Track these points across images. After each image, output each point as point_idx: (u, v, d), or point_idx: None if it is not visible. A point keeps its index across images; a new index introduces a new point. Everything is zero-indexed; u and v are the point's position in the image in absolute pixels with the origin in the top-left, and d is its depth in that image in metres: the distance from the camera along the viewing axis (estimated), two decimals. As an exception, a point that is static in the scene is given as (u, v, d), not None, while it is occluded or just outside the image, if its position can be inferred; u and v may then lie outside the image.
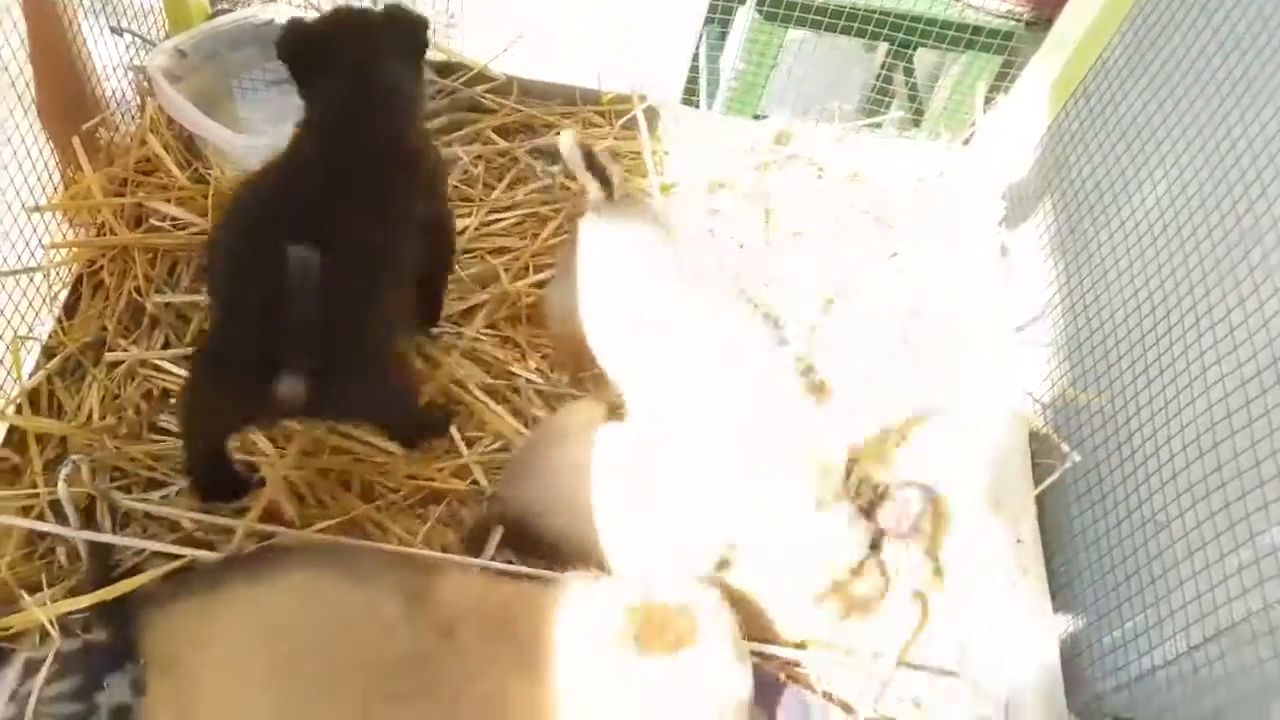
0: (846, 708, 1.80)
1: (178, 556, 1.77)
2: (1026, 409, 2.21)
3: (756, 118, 2.92)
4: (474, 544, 1.88)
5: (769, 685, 1.75)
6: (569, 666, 1.39)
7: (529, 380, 2.15)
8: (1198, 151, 1.94)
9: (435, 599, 1.43)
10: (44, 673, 1.61)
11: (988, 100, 2.70)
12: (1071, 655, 1.95)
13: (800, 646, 1.81)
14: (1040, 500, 2.09)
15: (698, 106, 3.04)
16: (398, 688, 1.38)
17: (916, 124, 2.95)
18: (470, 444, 2.05)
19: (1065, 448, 2.04)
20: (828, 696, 1.80)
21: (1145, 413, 1.92)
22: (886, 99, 2.96)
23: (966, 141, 2.73)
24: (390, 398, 1.85)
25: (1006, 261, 2.48)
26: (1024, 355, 2.31)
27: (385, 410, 1.88)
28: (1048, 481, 2.05)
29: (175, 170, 2.34)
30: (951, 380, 2.21)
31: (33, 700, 1.58)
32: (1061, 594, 2.02)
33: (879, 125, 2.81)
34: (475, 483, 2.00)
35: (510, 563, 1.88)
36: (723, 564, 1.69)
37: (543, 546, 1.79)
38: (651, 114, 2.66)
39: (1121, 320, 2.04)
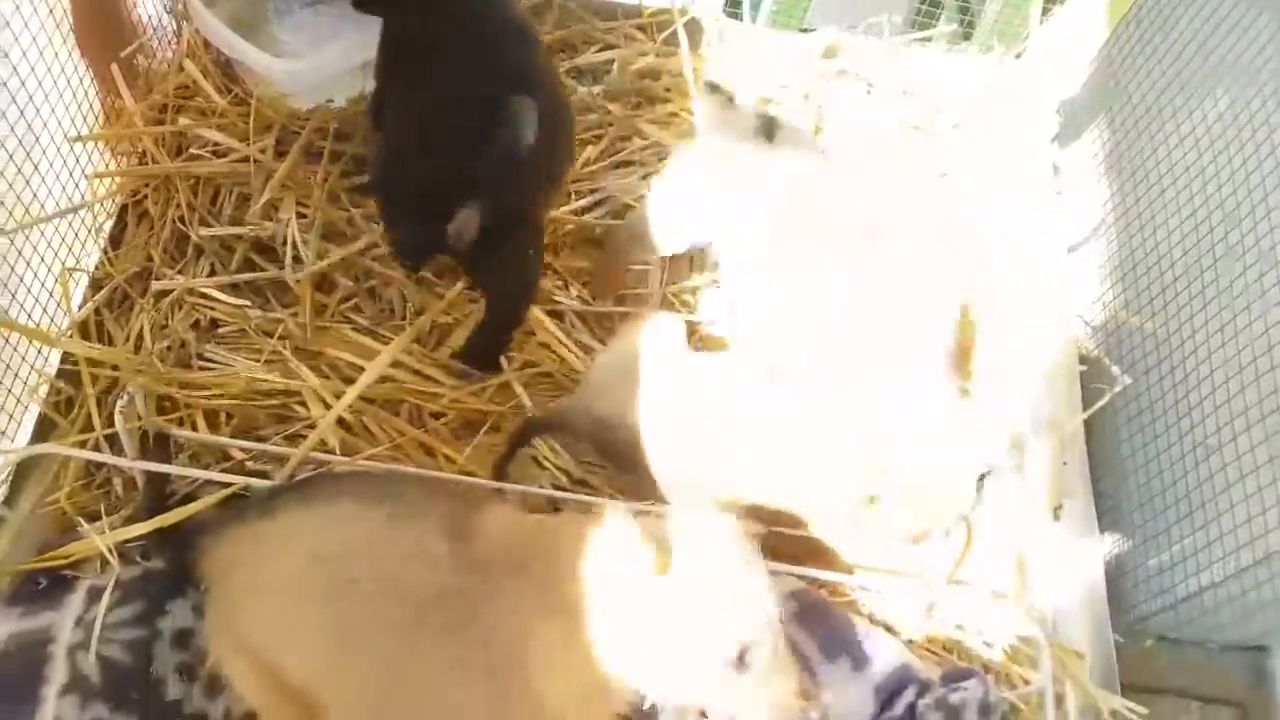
0: (891, 630, 1.81)
1: (231, 484, 1.79)
2: (1077, 331, 2.17)
3: (803, 31, 2.84)
4: (511, 451, 1.90)
5: (814, 607, 1.76)
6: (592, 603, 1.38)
7: (572, 307, 2.15)
8: (1262, 66, 1.87)
9: (476, 535, 1.44)
10: (106, 599, 1.65)
11: (1043, 11, 2.60)
12: (1117, 577, 1.96)
13: (848, 571, 1.82)
14: (1089, 423, 2.08)
15: (741, 20, 2.95)
16: (443, 618, 1.39)
17: (968, 37, 2.84)
18: (509, 363, 2.05)
19: (1116, 370, 2.01)
20: (872, 619, 1.82)
21: (1200, 335, 1.89)
22: (937, 11, 2.87)
23: (1019, 55, 2.64)
24: (527, 265, 1.95)
25: (1059, 180, 2.42)
26: (1075, 276, 2.27)
27: (517, 275, 1.95)
28: (1097, 405, 2.02)
29: (215, 95, 2.32)
30: (1002, 301, 2.18)
31: (97, 626, 1.63)
32: (1108, 516, 2.02)
33: (929, 39, 2.72)
34: (519, 405, 2.01)
35: (557, 486, 1.91)
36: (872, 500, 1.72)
37: (620, 457, 1.80)
38: (694, 28, 2.59)
39: (1177, 241, 1.99)
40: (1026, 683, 1.78)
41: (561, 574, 1.38)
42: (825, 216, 1.90)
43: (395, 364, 2.01)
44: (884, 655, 1.74)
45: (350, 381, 1.96)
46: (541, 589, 1.39)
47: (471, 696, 1.41)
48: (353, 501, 1.49)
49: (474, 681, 1.40)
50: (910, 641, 1.81)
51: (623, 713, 1.42)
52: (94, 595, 1.67)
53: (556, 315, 2.14)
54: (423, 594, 1.40)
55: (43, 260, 1.99)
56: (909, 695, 1.68)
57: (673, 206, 2.03)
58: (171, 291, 2.09)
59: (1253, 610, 1.76)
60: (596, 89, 2.47)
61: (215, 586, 1.53)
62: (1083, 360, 2.14)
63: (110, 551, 1.69)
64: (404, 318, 2.11)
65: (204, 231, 2.16)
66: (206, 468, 1.85)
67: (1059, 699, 1.66)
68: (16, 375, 1.89)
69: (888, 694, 1.69)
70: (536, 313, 2.10)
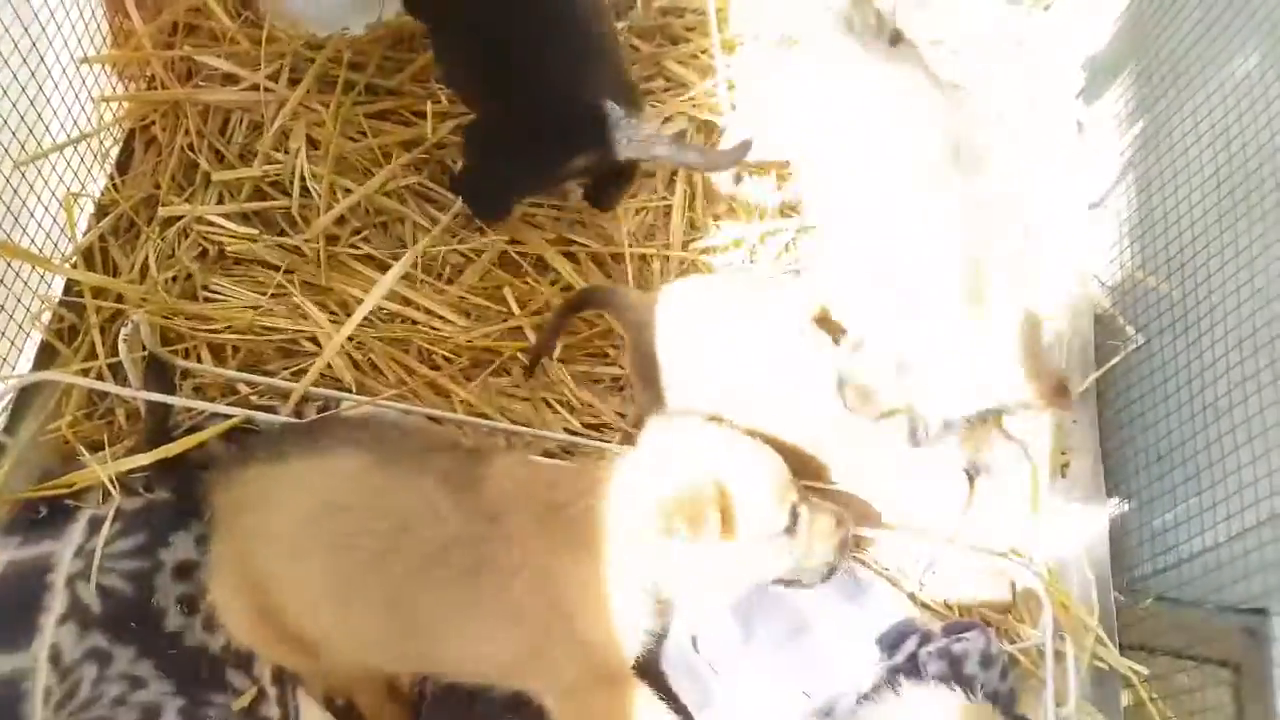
0: (894, 582, 1.82)
1: (234, 417, 1.77)
2: (1093, 289, 2.15)
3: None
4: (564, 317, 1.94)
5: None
6: (611, 551, 1.41)
7: (587, 249, 2.13)
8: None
9: (483, 486, 1.45)
10: (106, 529, 1.64)
11: (1072, -37, 2.54)
12: (1120, 535, 1.96)
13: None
14: (1099, 381, 2.06)
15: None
16: (451, 568, 1.41)
17: (996, -13, 2.79)
18: (523, 306, 2.04)
19: (1130, 330, 2.00)
20: (878, 571, 1.82)
21: (1215, 297, 1.87)
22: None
23: (1047, 7, 2.58)
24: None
25: (1082, 136, 2.37)
26: (1094, 234, 2.24)
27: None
28: (1110, 364, 2.01)
29: (226, 19, 2.26)
30: (1021, 258, 2.16)
31: (97, 555, 1.62)
32: (1114, 474, 2.02)
33: (957, -14, 2.66)
34: (527, 347, 1.99)
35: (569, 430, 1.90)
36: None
37: (647, 372, 1.80)
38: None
39: (1198, 200, 1.97)
40: (1026, 638, 1.78)
41: (588, 518, 1.40)
42: (910, 148, 1.89)
43: (406, 302, 2.00)
44: (887, 606, 1.74)
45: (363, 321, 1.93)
46: (566, 532, 1.41)
47: (498, 636, 1.44)
48: (357, 453, 1.48)
49: (499, 622, 1.42)
50: (913, 594, 1.81)
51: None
52: (95, 525, 1.66)
53: (571, 258, 2.11)
54: (429, 545, 1.41)
55: (46, 184, 1.95)
56: (911, 645, 1.69)
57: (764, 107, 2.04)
58: (178, 219, 2.05)
59: (1253, 572, 1.77)
60: (621, 24, 2.41)
61: (223, 526, 1.52)
62: (1097, 319, 2.12)
63: (112, 482, 1.67)
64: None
65: (216, 175, 2.11)
66: (212, 400, 1.83)
67: (1059, 654, 1.66)
68: (19, 301, 1.86)
69: (891, 643, 1.70)
70: (552, 254, 2.09)
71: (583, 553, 1.41)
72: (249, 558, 1.47)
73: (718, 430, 1.45)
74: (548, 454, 1.83)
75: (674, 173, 2.20)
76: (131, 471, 1.70)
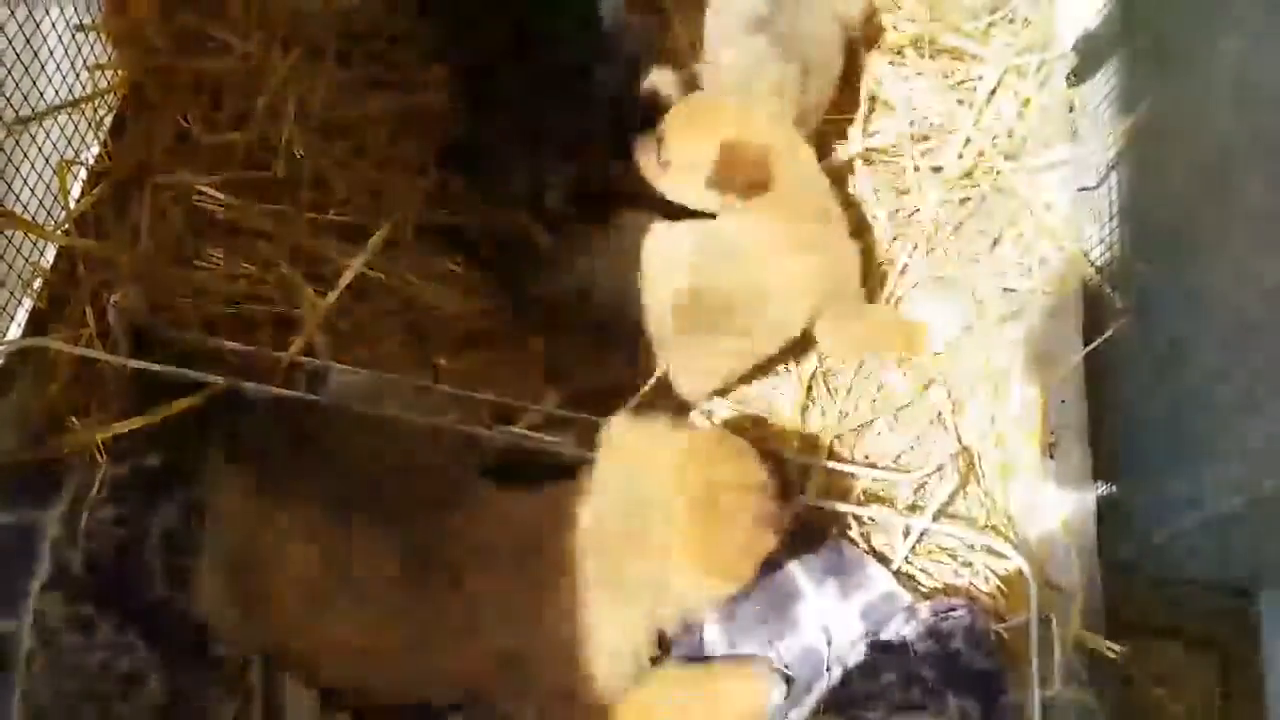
0: (882, 558, 1.82)
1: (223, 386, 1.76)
2: (1082, 268, 2.15)
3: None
4: None
5: (804, 531, 1.77)
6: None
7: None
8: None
9: (442, 551, 1.49)
10: (92, 496, 1.64)
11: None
12: (1107, 515, 1.96)
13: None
14: (1087, 360, 2.06)
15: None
16: (408, 637, 1.48)
17: (984, -40, 2.76)
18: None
19: (1120, 304, 2.00)
20: (865, 548, 1.82)
21: (1205, 275, 1.86)
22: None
23: (1040, -14, 2.55)
24: None
25: (1073, 116, 2.36)
26: (1085, 214, 2.23)
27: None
28: (1096, 342, 2.01)
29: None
30: (1011, 237, 2.16)
31: (83, 522, 1.62)
32: (1101, 454, 2.01)
33: (944, -38, 2.63)
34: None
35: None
36: None
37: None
38: None
39: (1191, 181, 1.96)
40: (1015, 616, 1.78)
41: (562, 555, 1.43)
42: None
43: (394, 275, 2.00)
44: (873, 582, 1.75)
45: (351, 290, 1.94)
46: (539, 573, 1.44)
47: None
48: (319, 509, 1.53)
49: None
50: (899, 571, 1.82)
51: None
52: (81, 492, 1.66)
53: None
54: (383, 615, 1.49)
55: (40, 151, 1.94)
56: (897, 622, 1.69)
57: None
58: (170, 188, 2.05)
59: (1241, 553, 1.77)
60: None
61: (229, 553, 1.57)
62: (1086, 298, 2.12)
63: (99, 448, 1.68)
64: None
65: (206, 138, 2.11)
66: (201, 370, 1.83)
67: (1045, 633, 1.67)
68: (10, 267, 1.86)
69: (876, 620, 1.71)
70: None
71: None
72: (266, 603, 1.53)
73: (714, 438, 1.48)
74: (535, 428, 1.83)
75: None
76: (119, 438, 1.70)
